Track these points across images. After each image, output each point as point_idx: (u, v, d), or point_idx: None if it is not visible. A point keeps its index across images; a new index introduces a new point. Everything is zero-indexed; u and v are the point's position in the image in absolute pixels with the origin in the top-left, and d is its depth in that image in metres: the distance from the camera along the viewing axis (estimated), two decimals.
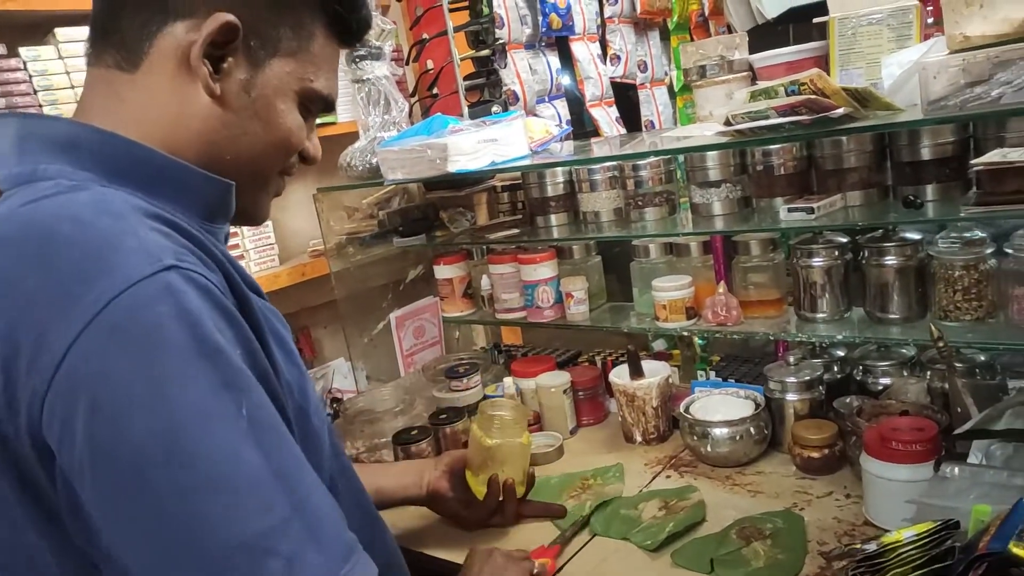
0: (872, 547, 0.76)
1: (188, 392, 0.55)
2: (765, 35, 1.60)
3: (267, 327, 0.69)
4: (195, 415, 0.55)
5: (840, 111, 1.02)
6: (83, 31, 1.51)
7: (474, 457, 1.22)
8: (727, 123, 1.14)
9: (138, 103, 0.68)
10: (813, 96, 1.04)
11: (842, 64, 1.17)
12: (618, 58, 2.31)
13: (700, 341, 1.81)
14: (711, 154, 1.40)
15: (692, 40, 1.83)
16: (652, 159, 1.49)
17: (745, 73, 1.38)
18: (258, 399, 0.60)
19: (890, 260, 1.28)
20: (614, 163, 1.56)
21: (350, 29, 0.77)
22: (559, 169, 1.62)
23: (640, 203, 1.54)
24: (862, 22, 1.14)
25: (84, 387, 0.54)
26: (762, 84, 1.13)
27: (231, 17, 0.67)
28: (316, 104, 0.77)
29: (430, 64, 1.80)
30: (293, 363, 0.72)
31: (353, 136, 1.73)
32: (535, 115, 1.94)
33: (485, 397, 1.59)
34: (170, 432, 0.54)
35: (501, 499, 1.21)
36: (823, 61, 1.24)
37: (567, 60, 2.15)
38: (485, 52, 1.73)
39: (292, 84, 0.72)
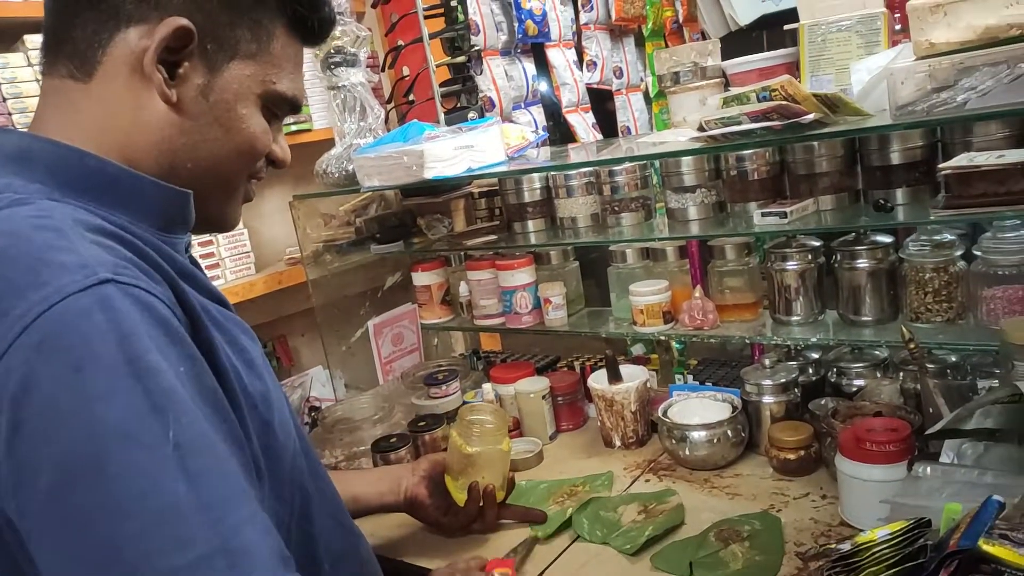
0: (846, 547, 0.77)
1: (112, 411, 0.53)
2: (739, 42, 1.62)
3: (224, 339, 0.67)
4: (117, 436, 0.53)
5: (810, 116, 1.03)
6: None
7: (454, 463, 1.22)
8: (701, 129, 1.15)
9: (93, 113, 0.67)
10: (784, 102, 1.05)
11: (812, 70, 1.19)
12: (594, 64, 2.32)
13: (678, 345, 1.82)
14: (686, 160, 1.41)
15: (667, 47, 1.84)
16: (628, 165, 1.51)
17: (718, 79, 1.39)
18: (190, 422, 0.56)
19: (862, 263, 1.30)
20: (591, 169, 1.57)
21: (312, 29, 0.75)
22: (536, 175, 1.62)
23: (616, 208, 1.55)
24: (831, 29, 1.16)
25: (7, 405, 0.52)
26: (735, 90, 1.14)
27: (184, 21, 0.65)
28: (281, 106, 0.75)
29: (406, 71, 1.80)
30: (256, 375, 0.71)
31: (329, 143, 1.73)
32: (511, 121, 1.94)
33: (464, 404, 1.59)
34: (91, 450, 0.52)
35: (481, 505, 1.20)
36: (794, 67, 1.26)
37: (543, 66, 2.17)
38: (461, 59, 1.73)
39: (253, 87, 0.70)
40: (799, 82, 1.13)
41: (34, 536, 0.54)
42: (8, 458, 0.53)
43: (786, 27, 1.27)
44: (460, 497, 1.20)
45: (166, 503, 0.53)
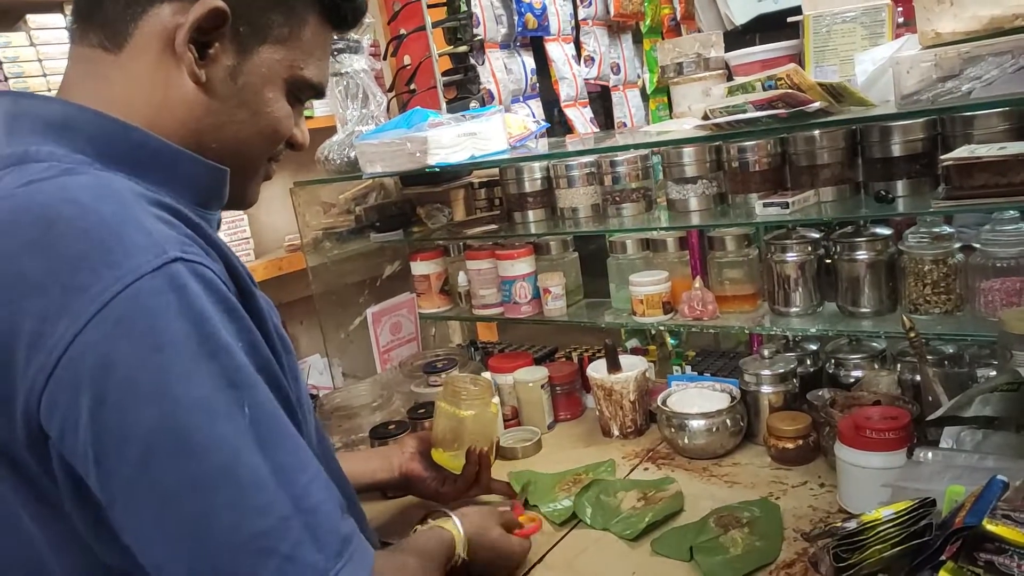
0: (852, 525, 0.78)
1: (192, 388, 0.55)
2: (734, 42, 1.62)
3: (268, 315, 0.68)
4: (200, 411, 0.55)
5: (816, 105, 1.04)
6: (55, 18, 1.50)
7: (442, 433, 1.23)
8: (705, 117, 1.16)
9: (122, 85, 0.66)
10: (790, 91, 1.06)
11: (817, 61, 1.20)
12: (592, 60, 2.33)
13: (672, 340, 1.83)
14: (688, 150, 1.42)
15: None
16: (630, 155, 1.51)
17: (721, 71, 1.40)
18: (261, 395, 0.60)
19: (861, 255, 1.31)
20: (592, 159, 1.57)
21: (345, 17, 0.75)
22: (536, 165, 1.63)
23: (617, 199, 1.55)
24: (836, 20, 1.17)
25: (88, 379, 0.53)
26: (740, 79, 1.15)
27: (220, 3, 0.65)
28: (305, 92, 0.75)
29: (408, 59, 1.80)
30: (288, 351, 0.72)
31: (331, 130, 1.73)
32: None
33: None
34: (175, 426, 0.55)
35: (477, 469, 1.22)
36: (797, 59, 1.27)
37: (542, 60, 2.17)
38: (463, 48, 1.73)
39: (281, 72, 0.71)
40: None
41: (119, 507, 0.56)
42: (90, 429, 0.54)
43: (790, 19, 1.28)
44: (456, 465, 1.21)
45: (247, 474, 0.56)
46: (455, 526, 0.97)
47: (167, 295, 0.55)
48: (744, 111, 1.10)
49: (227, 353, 0.58)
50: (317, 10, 0.72)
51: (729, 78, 1.40)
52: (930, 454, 0.93)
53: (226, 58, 0.68)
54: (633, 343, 1.86)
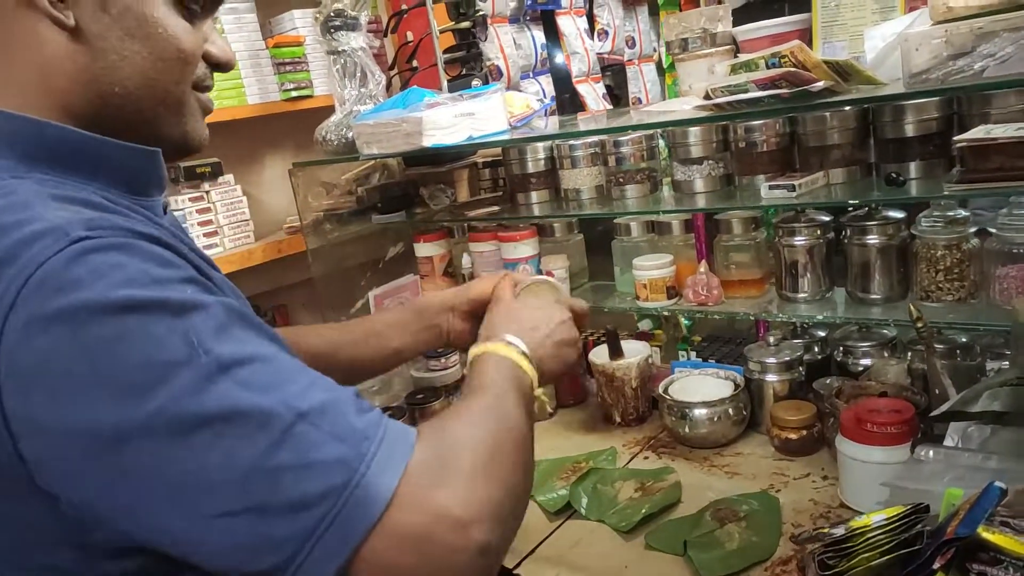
0: (840, 531, 0.74)
1: (133, 354, 0.51)
2: (760, 12, 1.55)
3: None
4: (151, 370, 0.51)
5: (820, 84, 0.99)
6: None
7: None
8: (706, 97, 1.11)
9: None
10: (793, 69, 1.01)
11: (825, 36, 1.14)
12: (606, 33, 2.27)
13: (686, 322, 1.79)
14: (693, 131, 1.37)
15: None
16: (634, 136, 1.47)
17: (728, 47, 1.34)
18: (214, 314, 0.55)
19: (872, 239, 1.26)
20: (596, 139, 1.52)
21: None
22: (540, 145, 1.58)
23: (621, 180, 1.51)
24: None
25: (26, 382, 0.50)
26: (743, 57, 1.10)
27: None
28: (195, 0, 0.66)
29: (410, 36, 1.76)
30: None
31: (329, 110, 1.69)
32: (519, 91, 1.90)
33: (463, 378, 1.57)
34: (128, 395, 0.51)
35: None
36: (808, 33, 1.21)
37: (553, 34, 2.11)
38: (465, 24, 1.69)
39: None
40: (811, 49, 1.08)
41: (107, 495, 0.52)
42: (53, 430, 0.51)
43: None
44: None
45: (225, 401, 0.52)
46: (516, 351, 0.77)
47: (77, 272, 0.51)
48: (746, 90, 1.05)
49: (159, 303, 0.52)
50: None
51: (736, 54, 1.34)
52: (932, 452, 0.89)
53: None
54: (645, 324, 1.82)
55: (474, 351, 0.78)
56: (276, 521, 0.52)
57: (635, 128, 1.41)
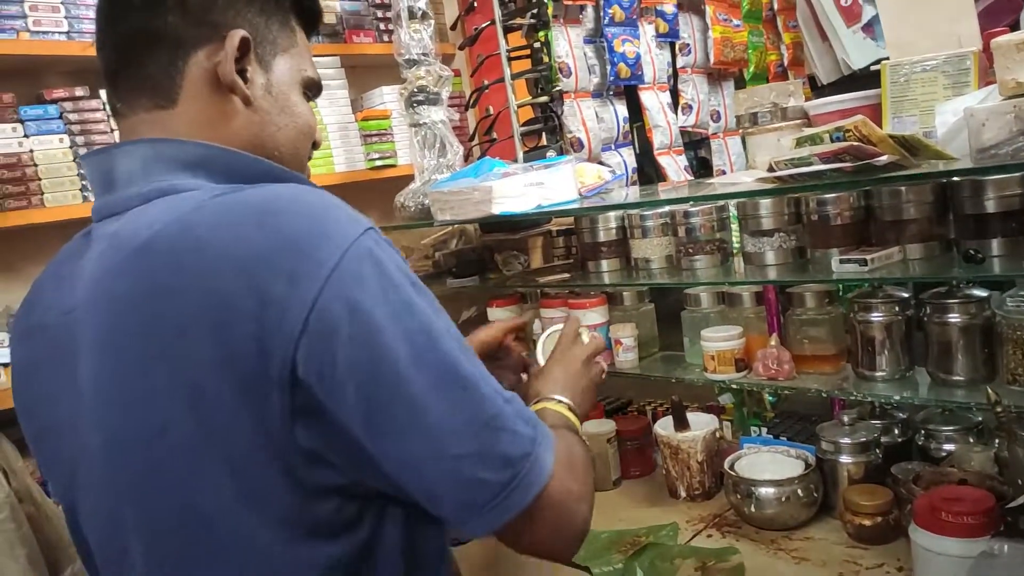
0: None
1: (419, 314, 0.66)
2: (852, 86, 1.53)
3: None
4: (431, 330, 0.66)
5: (885, 159, 0.97)
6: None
7: None
8: (770, 169, 1.11)
9: (191, 132, 0.75)
10: (857, 143, 1.00)
11: (895, 111, 1.12)
12: (690, 108, 2.29)
13: (770, 398, 1.73)
14: (764, 202, 1.36)
15: None
16: (704, 206, 1.47)
17: (799, 120, 1.34)
18: (449, 320, 0.70)
19: (953, 318, 1.20)
20: (667, 210, 1.53)
21: (314, 18, 0.86)
22: (611, 214, 1.61)
23: (691, 250, 1.50)
24: (915, 69, 1.09)
25: (338, 323, 0.62)
26: (808, 131, 1.09)
27: (243, 32, 0.74)
28: (312, 89, 0.85)
29: (490, 109, 1.83)
30: None
31: (411, 178, 1.78)
32: (600, 162, 1.94)
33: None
34: (418, 343, 0.64)
35: None
36: (878, 109, 1.20)
37: (636, 109, 2.15)
38: (543, 99, 1.75)
39: (295, 76, 0.81)
40: (878, 124, 1.07)
41: (376, 421, 0.65)
42: (348, 366, 0.63)
43: (872, 67, 1.22)
44: None
45: (470, 376, 0.67)
46: (565, 407, 0.94)
47: (374, 251, 0.66)
48: (809, 163, 1.05)
49: (426, 290, 0.69)
50: (296, 19, 0.83)
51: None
52: (1006, 547, 0.82)
53: (259, 77, 0.77)
54: (726, 398, 1.77)
55: (535, 407, 0.94)
56: (491, 468, 0.66)
57: (698, 199, 1.41)
